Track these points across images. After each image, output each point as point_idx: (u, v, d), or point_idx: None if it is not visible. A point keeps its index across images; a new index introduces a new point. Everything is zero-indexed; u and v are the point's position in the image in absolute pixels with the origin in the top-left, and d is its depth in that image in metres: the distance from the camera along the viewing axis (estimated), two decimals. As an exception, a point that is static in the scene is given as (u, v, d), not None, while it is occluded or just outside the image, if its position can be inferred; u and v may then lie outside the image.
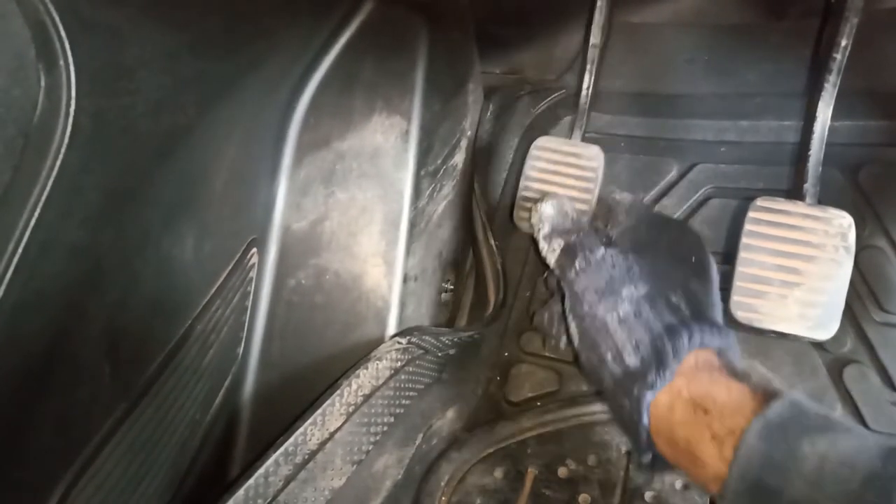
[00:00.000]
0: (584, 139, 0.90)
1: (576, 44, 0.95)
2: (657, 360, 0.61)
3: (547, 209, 0.74)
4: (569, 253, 0.72)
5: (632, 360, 0.63)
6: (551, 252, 0.73)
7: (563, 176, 0.86)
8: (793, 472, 0.47)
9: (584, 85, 0.90)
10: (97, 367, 0.51)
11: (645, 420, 0.60)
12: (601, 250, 0.70)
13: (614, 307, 0.66)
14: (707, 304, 0.67)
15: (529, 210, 0.77)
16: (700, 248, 0.71)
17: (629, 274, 0.68)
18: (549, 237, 0.74)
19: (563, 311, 0.72)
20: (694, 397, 0.57)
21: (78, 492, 0.50)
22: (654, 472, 0.69)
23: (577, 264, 0.70)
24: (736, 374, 0.58)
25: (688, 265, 0.70)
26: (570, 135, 0.90)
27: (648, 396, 0.60)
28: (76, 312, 0.47)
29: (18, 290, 0.40)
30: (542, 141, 0.88)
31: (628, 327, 0.64)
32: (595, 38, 0.90)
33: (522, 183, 0.86)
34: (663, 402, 0.59)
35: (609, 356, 0.64)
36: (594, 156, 0.86)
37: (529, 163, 0.87)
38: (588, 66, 0.90)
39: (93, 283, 0.48)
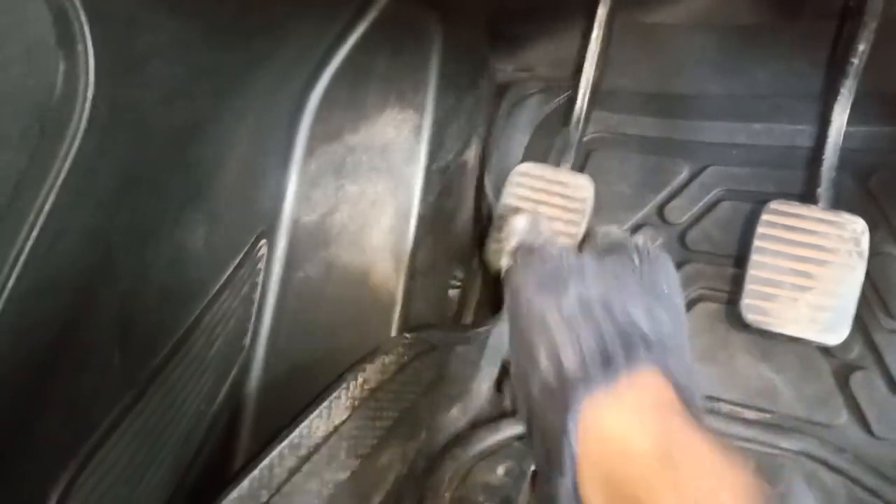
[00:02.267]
0: (584, 141, 0.89)
1: (586, 41, 0.95)
2: (604, 363, 0.45)
3: (519, 222, 0.67)
4: (518, 251, 0.61)
5: (570, 361, 0.46)
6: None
7: (547, 206, 0.81)
8: None
9: (581, 88, 0.89)
10: (106, 354, 0.51)
11: (572, 443, 0.43)
12: (554, 249, 0.59)
13: (557, 302, 0.50)
14: (672, 335, 0.52)
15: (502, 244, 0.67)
16: (676, 283, 0.57)
17: (581, 272, 0.53)
18: (514, 254, 0.62)
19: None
20: (655, 438, 0.42)
21: (84, 479, 0.50)
22: None
23: (519, 257, 0.59)
24: (708, 428, 0.43)
25: (658, 293, 0.55)
26: (576, 135, 0.89)
27: (583, 407, 0.43)
28: (88, 299, 0.47)
29: (33, 276, 0.40)
30: (524, 167, 0.83)
31: (572, 325, 0.49)
32: (595, 37, 0.88)
33: (498, 212, 0.79)
34: (606, 430, 0.43)
35: (542, 356, 0.48)
36: (583, 185, 0.81)
37: (508, 190, 0.81)
38: (587, 66, 0.89)
39: (105, 270, 0.48)
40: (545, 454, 0.47)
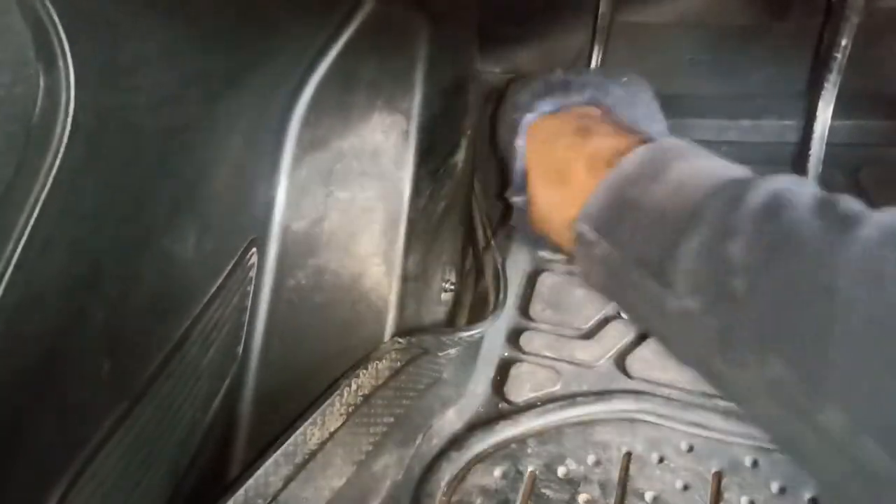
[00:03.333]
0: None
1: (577, 43, 0.95)
2: (548, 91, 0.64)
3: (518, 87, 0.73)
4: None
5: (525, 97, 0.65)
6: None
7: None
8: (655, 186, 0.46)
9: None
10: (97, 366, 0.51)
11: (521, 140, 0.61)
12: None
13: (528, 85, 0.69)
14: (625, 102, 0.67)
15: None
16: (654, 105, 0.71)
17: (564, 83, 0.69)
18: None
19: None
20: (579, 123, 0.58)
21: (77, 492, 0.50)
22: (515, 227, 0.71)
23: (509, 88, 0.73)
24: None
25: (632, 98, 0.69)
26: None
27: (528, 117, 0.62)
28: (76, 311, 0.47)
29: (20, 289, 0.40)
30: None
31: (530, 84, 0.68)
32: (584, 38, 0.88)
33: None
34: (545, 128, 0.61)
35: (508, 104, 0.68)
36: None
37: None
38: (575, 67, 0.89)
39: (93, 281, 0.48)
40: (501, 162, 0.69)
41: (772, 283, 0.38)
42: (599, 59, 0.89)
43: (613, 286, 0.51)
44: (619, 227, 0.48)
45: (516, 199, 0.65)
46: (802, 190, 0.43)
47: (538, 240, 0.65)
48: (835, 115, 0.76)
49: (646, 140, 0.53)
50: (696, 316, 0.42)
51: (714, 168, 0.48)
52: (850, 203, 0.41)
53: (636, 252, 0.46)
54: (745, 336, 0.39)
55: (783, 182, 0.43)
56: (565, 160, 0.56)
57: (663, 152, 0.49)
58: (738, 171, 0.48)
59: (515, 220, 0.67)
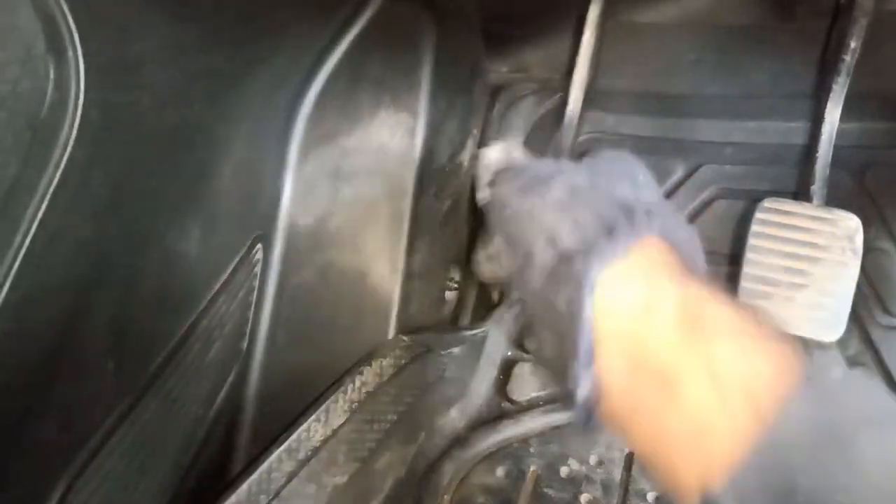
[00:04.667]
0: (578, 142, 0.89)
1: (581, 42, 0.95)
2: (607, 232, 0.42)
3: (491, 153, 0.61)
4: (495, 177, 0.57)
5: (570, 239, 0.43)
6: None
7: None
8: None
9: (576, 89, 0.88)
10: (101, 362, 0.51)
11: (588, 309, 0.39)
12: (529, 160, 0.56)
13: (543, 197, 0.47)
14: (664, 205, 0.50)
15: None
16: (648, 174, 0.52)
17: (561, 169, 0.50)
18: (491, 184, 0.57)
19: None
20: (675, 302, 0.38)
21: (81, 486, 0.50)
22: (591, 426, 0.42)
23: (497, 180, 0.55)
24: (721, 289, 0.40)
25: (634, 177, 0.51)
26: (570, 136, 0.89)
27: (594, 272, 0.39)
28: (82, 306, 0.47)
29: (26, 284, 0.40)
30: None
31: (562, 209, 0.45)
32: (589, 38, 0.87)
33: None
34: (621, 299, 0.39)
35: (538, 245, 0.44)
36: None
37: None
38: (581, 67, 0.88)
39: (99, 276, 0.48)
40: (557, 345, 0.43)
41: None
42: (598, 59, 0.89)
43: None
44: None
45: (581, 392, 0.40)
46: None
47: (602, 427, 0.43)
48: (842, 117, 0.76)
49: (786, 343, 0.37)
50: None
51: None
52: None
53: None
54: None
55: None
56: (674, 363, 0.37)
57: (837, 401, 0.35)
58: None
59: (577, 412, 0.42)
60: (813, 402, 0.34)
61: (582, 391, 0.40)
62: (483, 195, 0.59)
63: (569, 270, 0.41)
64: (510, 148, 0.63)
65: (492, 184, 0.58)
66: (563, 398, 0.45)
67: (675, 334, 0.37)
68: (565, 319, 0.41)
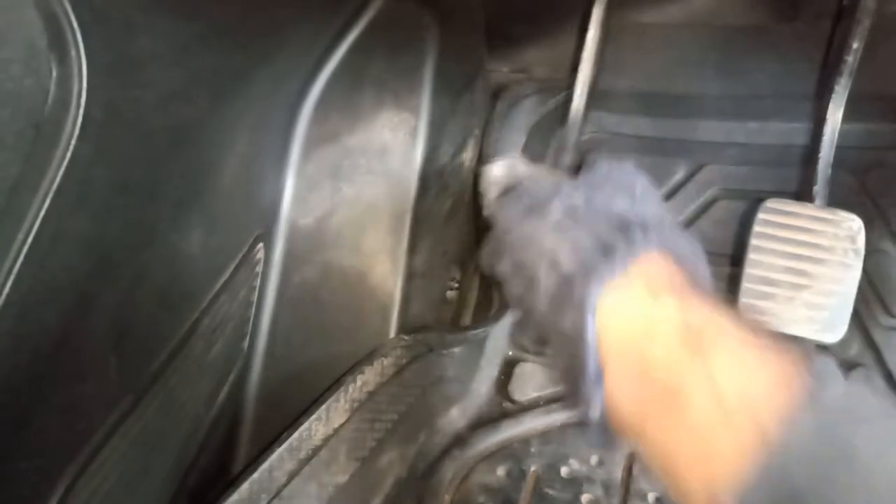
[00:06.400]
0: (581, 142, 0.89)
1: (584, 42, 0.95)
2: (605, 253, 0.43)
3: (496, 170, 0.62)
4: (499, 196, 0.58)
5: (569, 262, 0.44)
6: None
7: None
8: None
9: (578, 89, 0.88)
10: (103, 360, 0.51)
11: (591, 330, 0.40)
12: (532, 182, 0.56)
13: (543, 219, 0.48)
14: (664, 220, 0.49)
15: None
16: (648, 185, 0.52)
17: (559, 189, 0.50)
18: (496, 202, 0.58)
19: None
20: (678, 319, 0.39)
21: (82, 485, 0.50)
22: (606, 443, 0.44)
23: (500, 198, 0.57)
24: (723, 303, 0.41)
25: (633, 192, 0.51)
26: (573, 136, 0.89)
27: (594, 293, 0.40)
28: (84, 305, 0.47)
29: (28, 283, 0.40)
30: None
31: (561, 232, 0.46)
32: (592, 38, 0.87)
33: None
34: (625, 318, 0.41)
35: (541, 269, 0.46)
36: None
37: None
38: (584, 67, 0.88)
39: (101, 275, 0.48)
40: (568, 366, 0.44)
41: None
42: (600, 59, 0.89)
43: None
44: None
45: (593, 413, 0.42)
46: None
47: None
48: (844, 118, 0.75)
49: (798, 359, 0.37)
50: None
51: None
52: None
53: None
54: None
55: None
56: (677, 381, 0.37)
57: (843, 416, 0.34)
58: None
59: (592, 432, 0.43)
60: (816, 417, 0.34)
61: (594, 412, 0.41)
62: (488, 213, 0.60)
63: (570, 293, 0.43)
64: (514, 163, 0.63)
65: (496, 202, 0.60)
66: (578, 419, 0.44)
67: (677, 352, 0.38)
68: (572, 341, 0.42)
